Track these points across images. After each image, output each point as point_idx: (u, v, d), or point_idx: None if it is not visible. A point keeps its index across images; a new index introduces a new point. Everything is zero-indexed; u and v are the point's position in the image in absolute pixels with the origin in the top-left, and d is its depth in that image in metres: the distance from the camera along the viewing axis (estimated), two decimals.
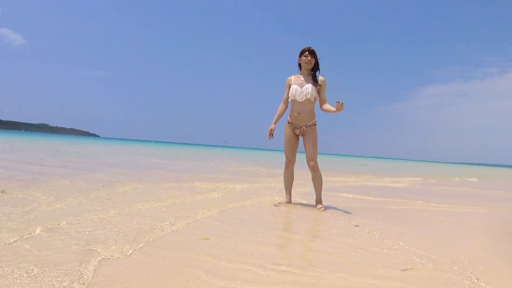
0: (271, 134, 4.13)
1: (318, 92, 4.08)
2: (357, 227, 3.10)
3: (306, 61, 4.02)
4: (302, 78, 4.08)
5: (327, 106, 4.01)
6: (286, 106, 4.19)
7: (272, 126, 4.15)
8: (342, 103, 3.67)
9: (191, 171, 8.64)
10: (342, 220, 3.43)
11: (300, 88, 4.01)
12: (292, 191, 4.33)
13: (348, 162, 33.11)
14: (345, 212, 3.91)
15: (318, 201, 4.11)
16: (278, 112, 4.21)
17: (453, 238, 2.93)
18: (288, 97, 4.10)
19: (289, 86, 4.11)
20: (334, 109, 3.83)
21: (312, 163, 4.04)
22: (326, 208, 4.02)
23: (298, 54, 4.11)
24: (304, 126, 4.07)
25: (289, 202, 4.23)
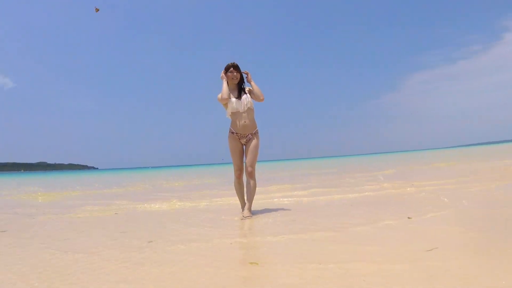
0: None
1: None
2: None
3: (232, 77, 4.30)
4: (232, 92, 4.33)
5: (253, 93, 4.37)
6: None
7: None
8: (246, 73, 4.35)
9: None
10: None
11: (238, 99, 4.26)
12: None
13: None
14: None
15: (249, 208, 4.20)
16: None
17: None
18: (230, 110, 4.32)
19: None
20: (256, 91, 4.30)
21: (250, 169, 4.23)
22: None
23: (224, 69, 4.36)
24: (250, 135, 4.31)
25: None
